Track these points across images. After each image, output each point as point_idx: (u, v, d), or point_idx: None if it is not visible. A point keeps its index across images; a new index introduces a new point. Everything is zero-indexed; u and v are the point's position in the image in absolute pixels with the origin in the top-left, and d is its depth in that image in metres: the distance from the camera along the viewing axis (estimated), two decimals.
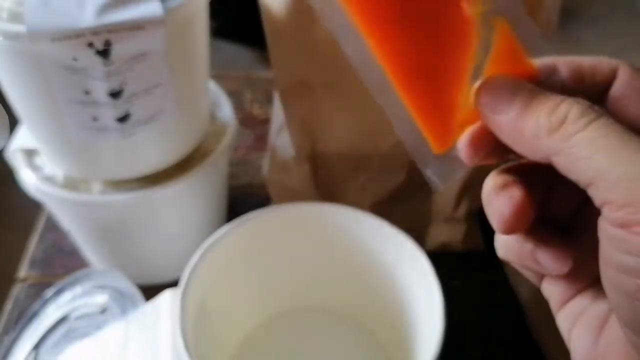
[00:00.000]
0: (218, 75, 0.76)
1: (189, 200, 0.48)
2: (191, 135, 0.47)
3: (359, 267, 0.44)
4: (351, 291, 0.46)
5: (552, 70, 0.21)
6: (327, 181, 0.51)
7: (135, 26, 0.35)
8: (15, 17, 0.35)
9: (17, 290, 0.54)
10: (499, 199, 0.21)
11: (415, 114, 0.22)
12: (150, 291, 0.53)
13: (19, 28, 0.34)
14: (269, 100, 0.73)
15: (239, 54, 1.88)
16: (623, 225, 0.17)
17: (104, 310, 0.46)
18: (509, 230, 0.21)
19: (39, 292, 0.53)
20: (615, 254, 0.18)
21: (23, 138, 0.47)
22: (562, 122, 0.18)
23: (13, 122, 0.46)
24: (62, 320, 0.45)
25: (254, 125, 0.70)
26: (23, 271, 0.55)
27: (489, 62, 0.21)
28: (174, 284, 0.41)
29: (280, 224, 0.43)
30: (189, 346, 0.35)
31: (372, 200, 0.51)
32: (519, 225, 0.21)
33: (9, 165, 0.47)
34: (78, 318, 0.45)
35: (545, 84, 0.21)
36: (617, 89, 0.21)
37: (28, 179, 0.45)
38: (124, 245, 0.50)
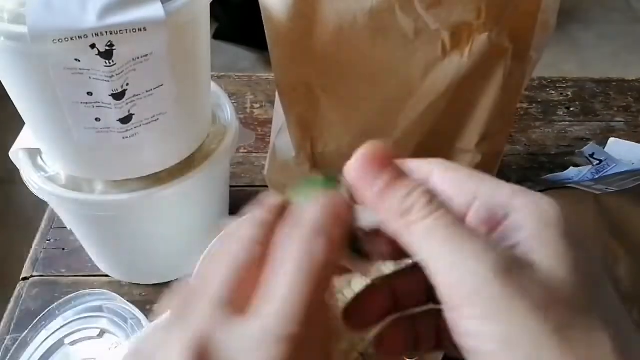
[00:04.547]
0: (219, 76, 0.77)
1: (190, 200, 0.48)
2: (193, 135, 0.47)
3: None
4: None
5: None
6: None
7: (138, 28, 0.35)
8: (17, 18, 0.35)
9: (19, 290, 0.54)
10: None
11: None
12: (151, 291, 0.54)
13: (21, 29, 0.34)
14: (269, 101, 0.73)
15: (240, 55, 1.89)
16: (449, 309, 0.20)
17: (102, 334, 0.45)
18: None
19: (41, 291, 0.54)
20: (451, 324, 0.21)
21: (26, 138, 0.47)
22: (409, 210, 0.22)
23: (16, 123, 0.46)
24: (55, 346, 0.44)
25: (254, 126, 0.71)
26: (25, 270, 0.55)
27: None
28: None
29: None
30: None
31: None
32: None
33: (12, 165, 0.47)
34: (73, 343, 0.44)
35: None
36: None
37: (31, 178, 0.45)
38: (126, 244, 0.50)
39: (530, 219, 0.21)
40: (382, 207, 0.23)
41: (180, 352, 0.20)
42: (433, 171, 0.24)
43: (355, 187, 0.24)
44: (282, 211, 0.25)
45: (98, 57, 0.35)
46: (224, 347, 0.20)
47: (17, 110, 0.42)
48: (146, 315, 0.46)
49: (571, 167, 0.56)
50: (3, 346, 0.49)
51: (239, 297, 0.21)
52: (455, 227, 0.21)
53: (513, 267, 0.20)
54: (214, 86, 0.52)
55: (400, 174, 0.23)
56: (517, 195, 0.22)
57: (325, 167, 0.50)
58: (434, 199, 0.22)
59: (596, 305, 0.20)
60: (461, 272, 0.20)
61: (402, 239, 0.22)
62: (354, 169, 0.24)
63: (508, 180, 0.59)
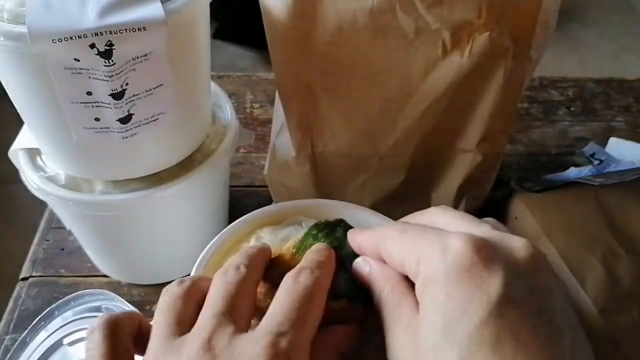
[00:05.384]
0: (219, 76, 0.77)
1: (190, 200, 0.48)
2: (193, 135, 0.47)
3: None
4: None
5: None
6: (327, 181, 0.51)
7: (137, 27, 0.35)
8: (17, 18, 0.35)
9: (18, 290, 0.54)
10: None
11: None
12: (150, 291, 0.54)
13: (21, 29, 0.34)
14: (269, 101, 0.73)
15: (239, 55, 1.89)
16: None
17: None
18: None
19: (40, 291, 0.53)
20: None
21: (25, 138, 0.47)
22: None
23: (16, 122, 0.46)
24: (54, 346, 0.44)
25: (254, 126, 0.71)
26: (25, 270, 0.55)
27: None
28: None
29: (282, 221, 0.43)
30: None
31: (372, 200, 0.52)
32: None
33: (12, 165, 0.47)
34: (72, 343, 0.44)
35: None
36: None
37: (30, 178, 0.45)
38: (126, 245, 0.50)
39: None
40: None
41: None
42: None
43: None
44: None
45: (97, 56, 0.35)
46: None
47: (16, 110, 0.42)
48: (146, 316, 0.46)
49: (571, 167, 0.56)
50: (3, 346, 0.49)
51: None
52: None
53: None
54: (213, 86, 0.52)
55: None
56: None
57: (325, 167, 0.50)
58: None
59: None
60: None
61: None
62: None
63: (508, 180, 0.58)
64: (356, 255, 0.32)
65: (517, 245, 0.25)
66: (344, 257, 0.33)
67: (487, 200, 0.54)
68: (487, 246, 0.24)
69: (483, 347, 0.22)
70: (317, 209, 0.42)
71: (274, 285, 0.31)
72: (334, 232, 0.35)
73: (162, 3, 0.36)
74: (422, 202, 0.53)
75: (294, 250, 0.34)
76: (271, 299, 0.28)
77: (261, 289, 0.32)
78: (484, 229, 0.26)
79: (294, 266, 0.31)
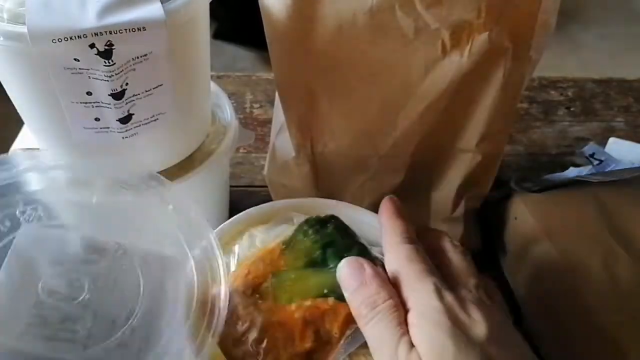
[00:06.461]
0: (219, 76, 0.77)
1: (190, 200, 0.48)
2: (193, 135, 0.47)
3: None
4: None
5: None
6: (327, 181, 0.51)
7: (137, 27, 0.35)
8: (16, 17, 0.35)
9: None
10: None
11: None
12: None
13: (20, 29, 0.34)
14: (269, 101, 0.73)
15: (239, 54, 1.89)
16: None
17: None
18: None
19: None
20: None
21: (25, 138, 0.47)
22: (360, 314, 0.31)
23: (16, 122, 0.46)
24: None
25: (254, 126, 0.71)
26: None
27: None
28: None
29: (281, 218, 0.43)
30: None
31: (371, 200, 0.52)
32: None
33: None
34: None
35: None
36: None
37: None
38: None
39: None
40: (351, 306, 0.32)
41: None
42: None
43: (341, 282, 0.33)
44: None
45: (97, 56, 0.35)
46: None
47: (16, 110, 0.42)
48: None
49: (571, 167, 0.56)
50: None
51: None
52: (393, 328, 0.30)
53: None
54: (213, 86, 0.52)
55: (373, 273, 0.32)
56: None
57: (325, 167, 0.50)
58: (373, 304, 0.31)
59: None
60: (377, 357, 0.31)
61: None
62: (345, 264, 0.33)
63: (508, 180, 0.58)
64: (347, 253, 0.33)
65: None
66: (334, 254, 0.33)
67: (486, 200, 0.54)
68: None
69: None
70: (310, 207, 0.42)
71: (255, 288, 0.32)
72: (325, 228, 0.35)
73: (162, 3, 0.36)
74: (421, 202, 0.53)
75: (284, 246, 0.34)
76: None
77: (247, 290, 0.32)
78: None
79: (281, 262, 0.32)
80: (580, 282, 0.44)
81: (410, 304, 0.31)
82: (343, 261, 0.33)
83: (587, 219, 0.49)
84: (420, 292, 0.31)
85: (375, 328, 0.30)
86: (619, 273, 0.44)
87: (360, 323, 0.31)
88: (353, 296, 0.32)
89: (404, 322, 0.30)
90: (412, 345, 0.29)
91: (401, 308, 0.31)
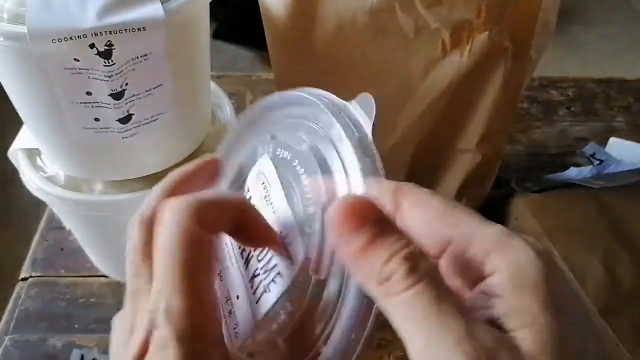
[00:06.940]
0: (219, 76, 0.77)
1: None
2: (192, 135, 0.47)
3: None
4: None
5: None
6: None
7: (137, 27, 0.35)
8: (16, 18, 0.35)
9: (18, 290, 0.54)
10: None
11: None
12: None
13: (21, 29, 0.34)
14: None
15: (239, 55, 1.89)
16: None
17: None
18: None
19: (40, 291, 0.53)
20: None
21: (25, 138, 0.47)
22: (388, 278, 0.19)
23: (15, 123, 0.46)
24: None
25: None
26: (24, 271, 0.55)
27: None
28: None
29: None
30: None
31: None
32: None
33: (11, 165, 0.47)
34: None
35: None
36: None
37: (30, 178, 0.45)
38: (125, 245, 0.50)
39: (508, 285, 0.19)
40: (361, 269, 0.20)
41: None
42: (401, 204, 0.22)
43: (334, 244, 0.22)
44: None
45: (97, 56, 0.35)
46: None
47: (16, 110, 0.42)
48: None
49: (571, 167, 0.56)
50: (2, 346, 0.49)
51: None
52: (438, 305, 0.19)
53: None
54: (213, 86, 0.52)
55: (383, 231, 0.20)
56: (494, 249, 0.20)
57: None
58: (417, 266, 0.19)
59: None
60: None
61: (379, 304, 0.20)
62: (331, 222, 0.21)
63: (508, 180, 0.58)
64: None
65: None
66: None
67: (487, 200, 0.54)
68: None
69: None
70: None
71: None
72: None
73: (162, 3, 0.36)
74: None
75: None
76: None
77: None
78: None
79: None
80: (580, 282, 0.44)
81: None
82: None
83: (587, 219, 0.49)
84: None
85: None
86: (619, 273, 0.44)
87: None
88: None
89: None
90: None
91: None
